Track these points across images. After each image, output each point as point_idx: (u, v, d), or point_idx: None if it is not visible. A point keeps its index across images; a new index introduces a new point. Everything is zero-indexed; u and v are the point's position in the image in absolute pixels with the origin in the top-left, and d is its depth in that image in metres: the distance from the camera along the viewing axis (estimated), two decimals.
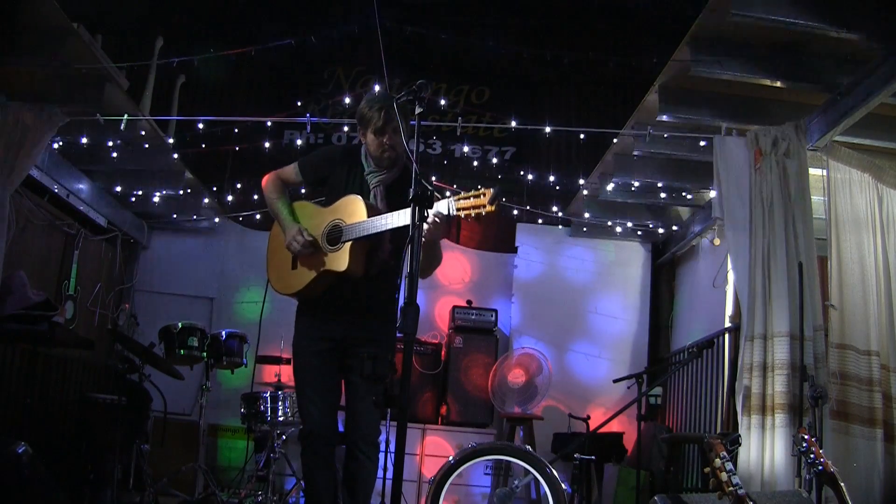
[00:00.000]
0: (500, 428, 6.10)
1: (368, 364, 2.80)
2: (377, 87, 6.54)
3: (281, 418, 4.83)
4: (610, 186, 5.67)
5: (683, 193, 5.68)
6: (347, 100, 7.08)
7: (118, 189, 5.95)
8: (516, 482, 4.49)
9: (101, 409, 4.67)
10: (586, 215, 6.29)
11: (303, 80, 7.37)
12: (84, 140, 5.04)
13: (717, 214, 4.25)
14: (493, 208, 2.43)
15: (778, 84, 4.12)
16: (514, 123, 6.08)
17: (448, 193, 2.56)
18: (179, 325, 5.10)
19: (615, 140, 5.22)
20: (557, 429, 5.91)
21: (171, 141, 5.66)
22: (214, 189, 6.57)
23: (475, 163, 7.24)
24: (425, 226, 2.50)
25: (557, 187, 6.48)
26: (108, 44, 5.27)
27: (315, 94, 7.37)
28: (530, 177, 6.58)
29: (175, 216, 6.56)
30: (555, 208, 6.51)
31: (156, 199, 6.15)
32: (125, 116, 4.76)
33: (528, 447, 4.74)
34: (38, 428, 4.72)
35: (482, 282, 6.74)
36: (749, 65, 3.95)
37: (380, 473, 3.08)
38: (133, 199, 6.13)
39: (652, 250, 6.72)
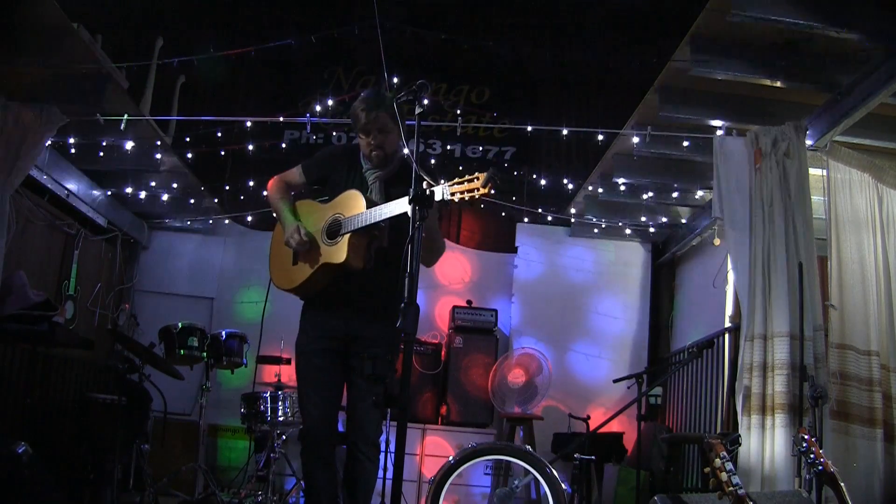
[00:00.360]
0: (500, 428, 6.10)
1: (368, 364, 2.80)
2: (368, 89, 6.55)
3: (281, 418, 4.83)
4: (610, 186, 5.67)
5: (683, 193, 5.68)
6: (347, 100, 7.08)
7: (118, 189, 5.95)
8: (516, 482, 4.49)
9: (101, 409, 4.67)
10: (586, 215, 6.29)
11: (303, 80, 7.37)
12: (84, 140, 5.04)
13: (717, 214, 4.25)
14: (487, 190, 2.43)
15: (778, 84, 4.11)
16: (513, 123, 6.08)
17: (442, 181, 2.56)
18: (179, 325, 5.10)
19: (615, 140, 5.22)
20: (557, 429, 5.91)
21: (171, 141, 5.66)
22: (214, 189, 6.57)
23: (475, 163, 7.24)
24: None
25: (557, 187, 6.48)
26: (108, 44, 5.27)
27: (315, 94, 7.37)
28: (530, 177, 6.58)
29: (175, 216, 6.56)
30: (555, 208, 6.51)
31: (156, 199, 6.15)
32: (125, 116, 4.76)
33: (528, 447, 4.74)
34: (38, 428, 4.72)
35: (482, 282, 6.74)
36: (749, 65, 3.95)
37: (380, 473, 3.08)
38: (133, 199, 6.13)
39: (652, 250, 6.72)
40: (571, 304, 6.58)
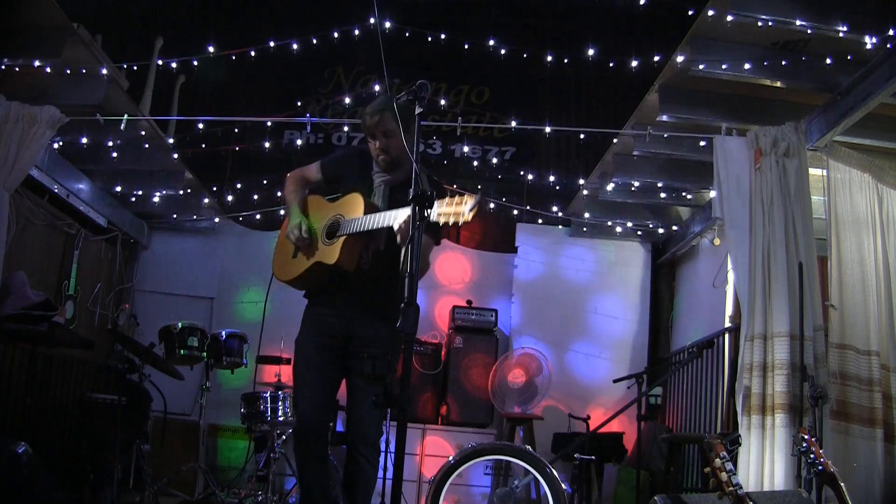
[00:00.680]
0: (500, 428, 6.10)
1: (368, 364, 2.80)
2: (377, 88, 6.55)
3: (281, 418, 4.83)
4: (610, 186, 5.67)
5: (683, 193, 5.68)
6: (347, 100, 7.09)
7: (118, 189, 5.95)
8: (516, 482, 4.49)
9: (101, 409, 4.67)
10: (586, 215, 6.29)
11: (303, 80, 7.37)
12: (84, 140, 5.04)
13: (717, 214, 4.25)
14: (471, 217, 2.44)
15: (778, 84, 4.12)
16: (514, 123, 6.08)
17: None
18: (179, 325, 5.10)
19: (615, 140, 5.23)
20: (557, 429, 5.91)
21: (171, 141, 5.66)
22: (214, 189, 6.57)
23: (475, 163, 7.24)
24: (404, 226, 2.57)
25: (557, 187, 6.48)
26: (108, 44, 5.28)
27: (315, 94, 7.38)
28: (530, 177, 6.58)
29: (175, 216, 6.56)
30: (555, 208, 6.51)
31: (156, 199, 6.15)
32: (125, 116, 4.76)
33: (528, 447, 4.74)
34: (38, 428, 4.72)
35: (482, 282, 6.74)
36: (749, 65, 3.95)
37: (380, 473, 3.08)
38: (133, 199, 6.13)
39: (652, 250, 6.72)
40: (571, 304, 6.58)
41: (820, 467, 2.42)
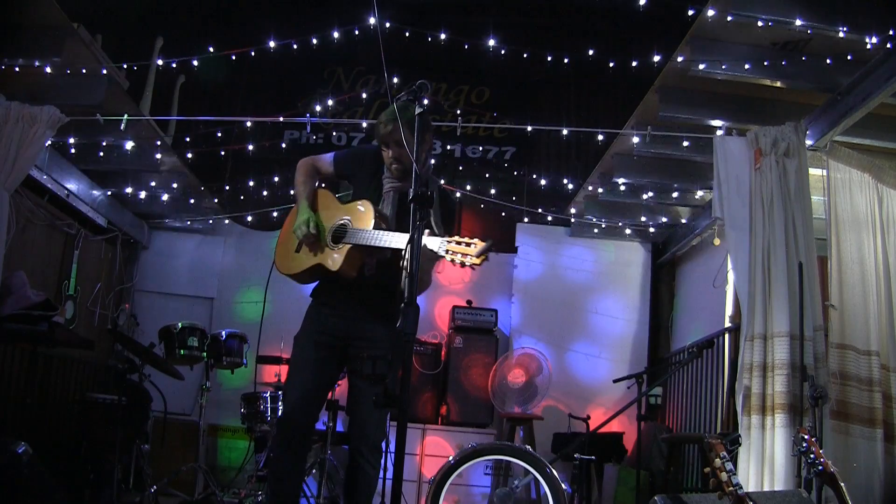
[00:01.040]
0: (500, 428, 6.10)
1: (368, 364, 2.80)
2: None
3: None
4: (610, 186, 5.67)
5: (683, 193, 5.68)
6: (347, 100, 7.09)
7: (118, 189, 5.95)
8: (516, 482, 4.49)
9: (101, 409, 4.67)
10: (586, 215, 6.29)
11: (303, 80, 7.37)
12: (84, 140, 5.04)
13: (717, 214, 4.24)
14: (479, 262, 2.48)
15: (778, 84, 4.12)
16: (514, 123, 6.08)
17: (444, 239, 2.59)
18: (179, 325, 5.10)
19: (615, 140, 5.23)
20: (557, 429, 5.91)
21: (171, 141, 5.66)
22: (214, 189, 6.57)
23: (475, 163, 7.24)
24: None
25: (557, 187, 6.48)
26: (108, 44, 5.27)
27: (315, 94, 7.37)
28: (530, 177, 6.58)
29: (175, 216, 6.56)
30: (555, 208, 6.51)
31: (156, 199, 6.15)
32: (125, 116, 4.76)
33: (528, 447, 4.74)
34: (38, 428, 4.72)
35: (482, 282, 6.73)
36: (749, 65, 3.95)
37: (380, 474, 3.08)
38: (133, 199, 6.13)
39: (652, 250, 6.72)
40: (571, 304, 6.58)
41: (820, 467, 2.42)
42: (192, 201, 6.34)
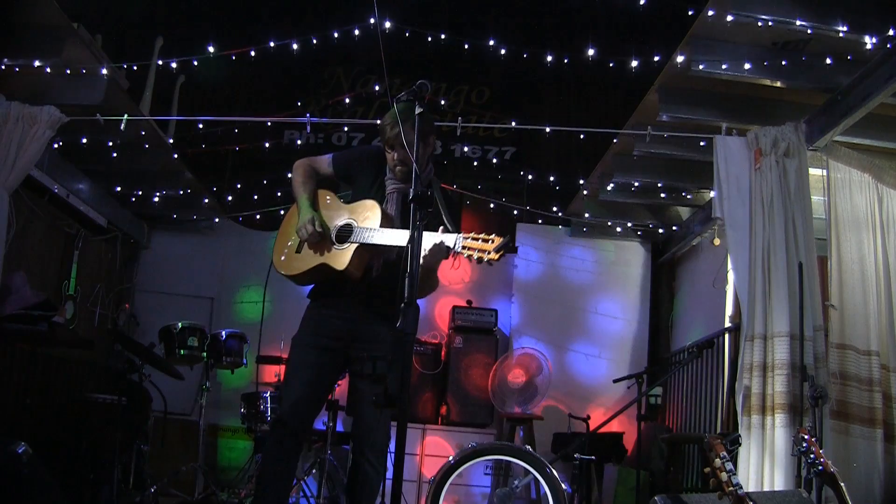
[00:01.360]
0: (500, 428, 6.10)
1: (369, 364, 2.80)
2: (377, 87, 6.55)
3: None
4: (610, 186, 5.67)
5: (683, 193, 5.68)
6: (347, 100, 7.09)
7: (118, 189, 5.96)
8: (516, 482, 4.49)
9: (101, 409, 4.67)
10: (586, 215, 6.29)
11: (303, 80, 7.37)
12: (84, 140, 5.04)
13: (717, 214, 4.25)
14: (497, 257, 2.51)
15: (778, 84, 4.12)
16: (514, 123, 6.08)
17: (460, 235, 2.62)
18: (179, 325, 5.10)
19: (615, 140, 5.22)
20: (557, 429, 5.91)
21: (171, 141, 5.66)
22: (214, 189, 6.57)
23: (475, 163, 7.24)
24: (425, 251, 2.58)
25: (557, 187, 6.48)
26: (108, 44, 5.28)
27: (315, 94, 7.38)
28: (530, 177, 6.58)
29: (175, 216, 6.57)
30: (555, 208, 6.51)
31: (156, 199, 6.15)
32: (125, 116, 4.76)
33: (528, 447, 4.74)
34: (38, 428, 4.72)
35: (482, 282, 6.74)
36: (749, 65, 3.95)
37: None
38: (133, 199, 6.13)
39: (652, 250, 6.73)
40: (571, 304, 6.58)
41: (820, 467, 2.42)
42: (192, 201, 6.34)
